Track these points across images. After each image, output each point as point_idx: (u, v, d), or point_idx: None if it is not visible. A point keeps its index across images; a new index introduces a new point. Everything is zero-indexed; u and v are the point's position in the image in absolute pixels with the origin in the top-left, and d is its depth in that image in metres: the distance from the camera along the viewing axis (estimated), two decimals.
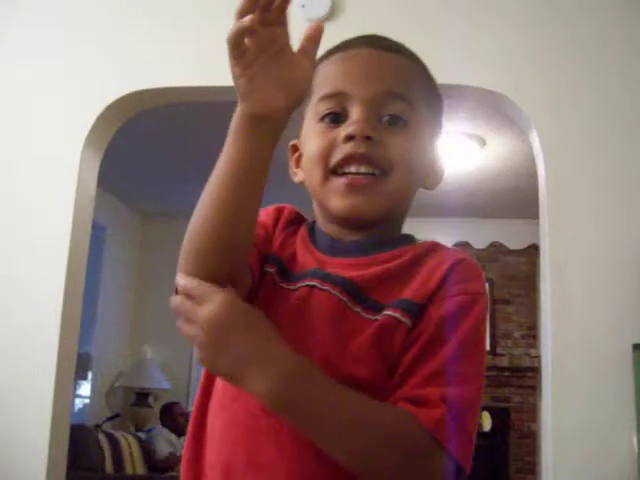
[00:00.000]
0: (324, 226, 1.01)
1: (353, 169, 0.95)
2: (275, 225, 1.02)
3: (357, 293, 0.92)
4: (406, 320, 0.89)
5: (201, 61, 2.62)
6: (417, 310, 0.89)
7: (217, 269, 0.85)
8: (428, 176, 1.04)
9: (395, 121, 0.97)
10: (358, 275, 0.94)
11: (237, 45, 0.78)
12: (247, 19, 0.77)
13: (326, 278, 0.93)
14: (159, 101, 2.81)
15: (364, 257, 0.97)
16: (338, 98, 0.97)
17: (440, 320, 0.89)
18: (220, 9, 2.65)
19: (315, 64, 0.86)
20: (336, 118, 0.97)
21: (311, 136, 0.99)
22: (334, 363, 0.88)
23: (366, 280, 0.93)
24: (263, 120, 0.81)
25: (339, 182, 0.96)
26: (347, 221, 0.98)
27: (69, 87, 2.70)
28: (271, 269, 0.97)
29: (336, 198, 0.96)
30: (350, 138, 0.94)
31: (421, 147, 1.00)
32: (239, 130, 0.83)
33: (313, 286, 0.93)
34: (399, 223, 1.04)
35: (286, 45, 0.81)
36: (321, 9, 2.51)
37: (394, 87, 0.97)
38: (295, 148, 1.07)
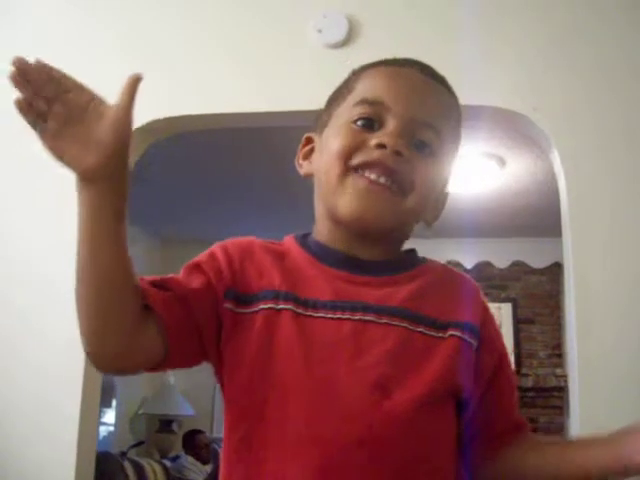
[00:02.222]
0: (332, 240, 1.00)
1: (373, 176, 0.95)
2: (231, 264, 0.97)
3: (412, 315, 0.94)
4: (473, 342, 0.97)
5: (220, 88, 2.64)
6: (477, 331, 0.98)
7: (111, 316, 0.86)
8: (433, 209, 1.04)
9: (424, 147, 0.98)
10: (399, 297, 0.95)
11: (25, 117, 0.80)
12: (16, 97, 0.78)
13: (380, 311, 0.93)
14: (179, 129, 2.83)
15: (392, 275, 0.98)
16: (377, 107, 0.98)
17: (502, 349, 1.03)
18: (238, 36, 2.69)
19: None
20: (369, 124, 0.98)
21: (339, 133, 0.99)
22: (410, 387, 0.90)
23: (409, 300, 0.95)
24: (86, 180, 0.82)
25: (360, 181, 0.95)
26: (352, 224, 0.97)
27: None
28: (285, 305, 0.93)
29: (350, 197, 0.95)
30: (381, 146, 0.95)
31: (439, 179, 1.02)
32: (77, 188, 0.84)
33: (367, 321, 0.93)
34: (400, 245, 1.05)
35: (88, 103, 0.81)
36: (338, 34, 2.53)
37: (433, 117, 0.99)
38: (308, 140, 1.07)
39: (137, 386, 6.21)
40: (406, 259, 1.04)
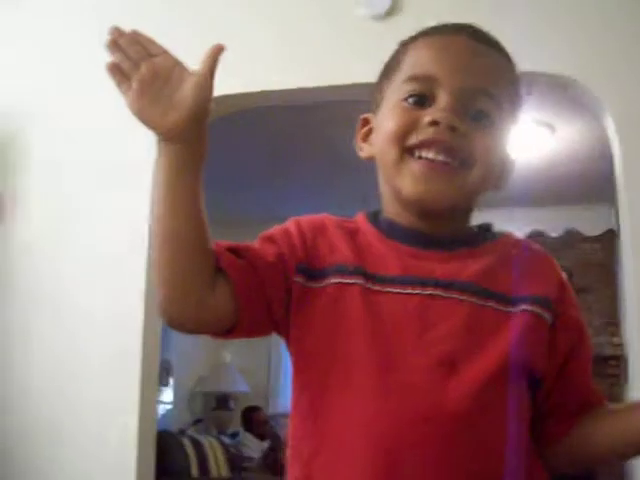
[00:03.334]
0: (400, 216, 0.99)
1: (431, 155, 0.93)
2: (304, 240, 0.98)
3: (482, 290, 0.93)
4: (547, 316, 0.95)
5: (262, 65, 2.64)
6: (553, 306, 0.96)
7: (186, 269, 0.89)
8: (499, 177, 1.02)
9: (481, 117, 0.95)
10: (469, 272, 0.94)
11: (113, 78, 0.86)
12: (109, 61, 0.86)
13: (448, 286, 0.92)
14: (224, 110, 2.84)
15: (461, 250, 0.97)
16: (428, 82, 0.95)
17: (581, 325, 1.00)
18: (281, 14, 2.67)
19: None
20: (421, 101, 0.96)
21: (391, 113, 0.97)
22: (478, 363, 0.89)
23: (479, 275, 0.94)
24: (167, 140, 0.87)
25: (417, 165, 0.94)
26: (416, 205, 0.96)
27: None
28: (355, 280, 0.94)
29: (410, 180, 0.94)
30: (435, 124, 0.93)
31: (501, 147, 0.99)
32: (157, 149, 0.89)
33: (436, 296, 0.92)
34: (467, 218, 1.03)
35: (172, 68, 0.86)
36: (382, 5, 2.50)
37: (486, 84, 0.96)
38: (365, 122, 1.05)
39: (194, 365, 6.30)
40: (478, 233, 1.02)
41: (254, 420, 5.62)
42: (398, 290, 0.93)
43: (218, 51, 0.86)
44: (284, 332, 0.97)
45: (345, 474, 0.88)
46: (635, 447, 0.94)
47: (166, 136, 0.87)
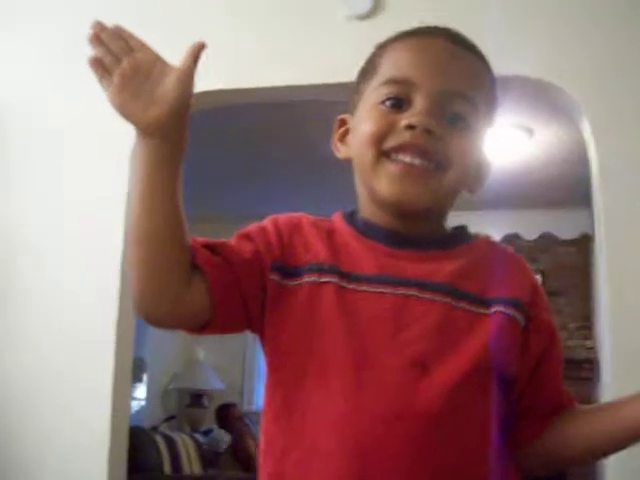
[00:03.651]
0: (376, 216, 1.00)
1: (407, 158, 0.94)
2: (281, 238, 0.98)
3: (456, 291, 0.93)
4: (520, 318, 0.95)
5: (243, 63, 2.63)
6: (525, 308, 0.96)
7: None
8: (475, 179, 1.03)
9: (457, 120, 0.96)
10: (444, 273, 0.95)
11: (95, 72, 0.86)
12: (89, 55, 0.86)
13: (423, 287, 0.93)
14: (202, 105, 2.82)
15: (436, 251, 0.97)
16: (404, 85, 0.96)
17: (553, 328, 1.01)
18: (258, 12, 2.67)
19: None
20: (398, 103, 0.96)
21: (368, 115, 0.98)
22: (450, 363, 0.90)
23: (454, 276, 0.95)
24: (146, 134, 0.87)
25: (393, 167, 0.95)
26: (392, 206, 0.97)
27: None
28: (330, 278, 0.94)
29: (386, 183, 0.95)
30: (411, 127, 0.94)
31: (477, 149, 1.00)
32: (137, 144, 0.89)
33: (410, 295, 0.93)
34: (443, 219, 1.04)
35: (154, 63, 0.87)
36: (364, 5, 2.50)
37: (463, 87, 0.97)
38: (343, 122, 1.06)
39: (167, 361, 6.28)
40: (454, 235, 1.03)
41: (229, 417, 5.61)
42: (373, 289, 0.93)
43: (200, 48, 0.87)
44: (259, 330, 0.98)
45: (318, 471, 0.88)
46: (621, 441, 0.95)
47: (146, 131, 0.87)
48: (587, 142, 2.43)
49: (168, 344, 6.28)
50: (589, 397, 5.79)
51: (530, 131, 4.47)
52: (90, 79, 0.89)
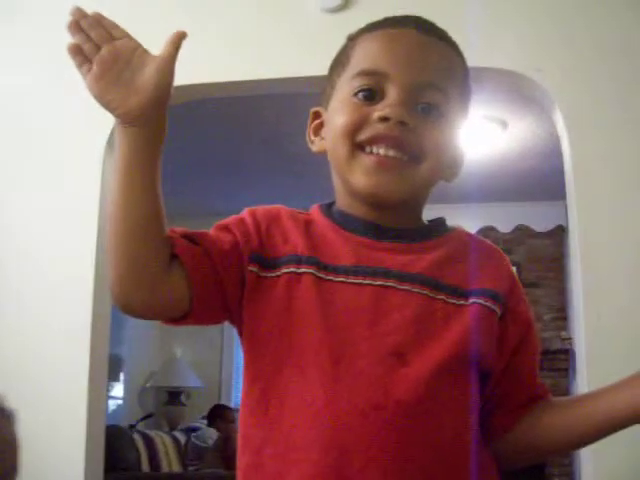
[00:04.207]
0: (352, 208, 1.00)
1: (382, 150, 0.94)
2: (259, 229, 0.98)
3: (433, 283, 0.94)
4: (497, 310, 0.96)
5: (212, 56, 2.61)
6: (503, 300, 0.97)
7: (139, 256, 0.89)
8: (450, 168, 1.03)
9: (430, 110, 0.96)
10: (421, 264, 0.95)
11: (74, 59, 0.86)
12: (70, 42, 0.86)
13: (401, 278, 0.93)
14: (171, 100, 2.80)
15: (414, 243, 0.98)
16: (376, 76, 0.96)
17: (529, 319, 1.02)
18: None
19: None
20: (370, 95, 0.96)
21: (341, 108, 0.98)
22: (428, 354, 0.90)
23: (432, 268, 0.95)
24: (125, 122, 0.87)
25: (368, 160, 0.95)
26: (368, 198, 0.97)
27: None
28: (308, 269, 0.94)
29: (361, 175, 0.95)
30: (385, 119, 0.93)
31: (451, 139, 1.00)
32: (116, 133, 0.89)
33: (388, 286, 0.93)
34: (420, 210, 1.04)
35: (133, 51, 0.86)
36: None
37: (435, 77, 0.97)
38: (316, 115, 1.06)
39: (145, 359, 6.25)
40: (431, 227, 1.03)
41: (222, 417, 5.54)
42: (351, 280, 0.94)
43: (180, 37, 0.87)
44: (237, 321, 0.97)
45: (296, 462, 0.88)
46: (594, 434, 0.96)
47: (125, 119, 0.86)
48: (560, 135, 2.44)
49: (145, 342, 6.25)
50: (565, 387, 5.85)
51: (504, 123, 4.48)
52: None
